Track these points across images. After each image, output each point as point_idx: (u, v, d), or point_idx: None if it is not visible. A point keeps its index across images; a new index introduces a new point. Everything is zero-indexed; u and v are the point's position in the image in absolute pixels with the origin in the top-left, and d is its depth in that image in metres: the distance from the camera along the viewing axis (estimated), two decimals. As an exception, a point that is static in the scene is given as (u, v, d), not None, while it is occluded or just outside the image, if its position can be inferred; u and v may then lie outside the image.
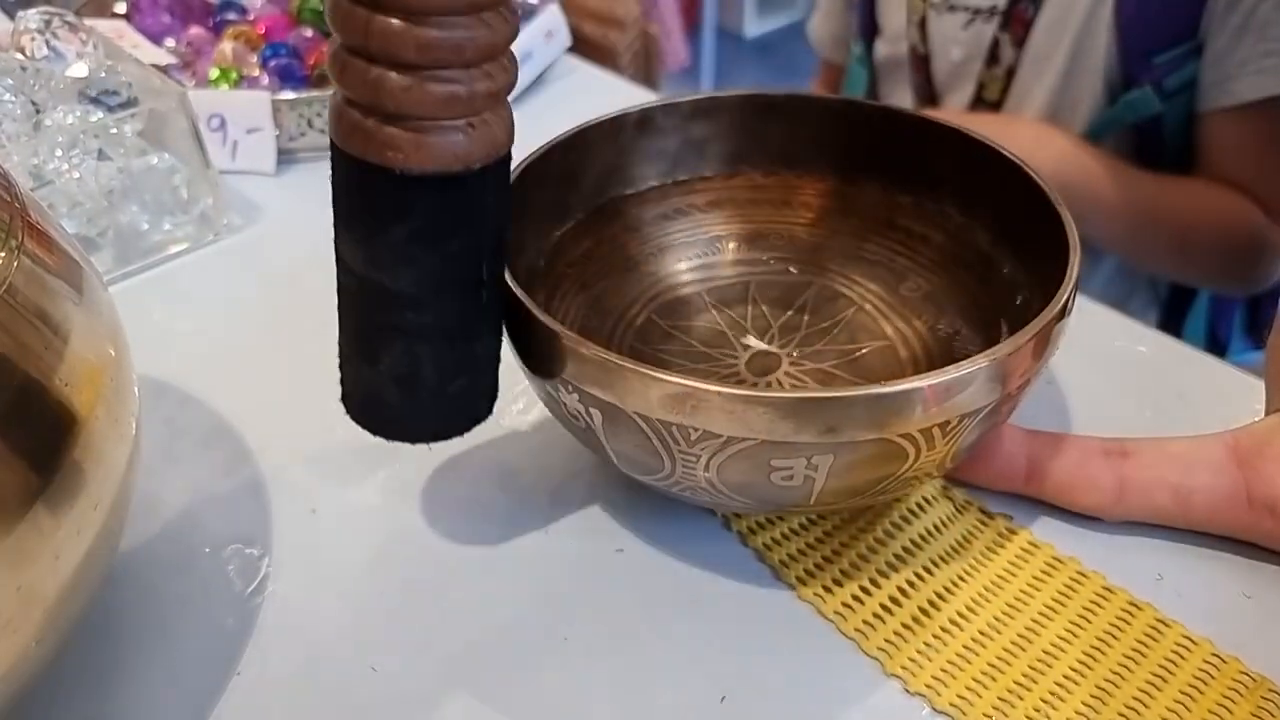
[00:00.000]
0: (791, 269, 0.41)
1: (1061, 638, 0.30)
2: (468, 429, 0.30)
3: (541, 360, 0.29)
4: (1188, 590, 0.31)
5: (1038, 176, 0.33)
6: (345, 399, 0.30)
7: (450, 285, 0.27)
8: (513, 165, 0.34)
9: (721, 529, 0.34)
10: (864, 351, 0.37)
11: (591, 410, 0.28)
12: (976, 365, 0.26)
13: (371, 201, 0.25)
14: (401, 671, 0.30)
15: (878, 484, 0.28)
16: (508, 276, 0.29)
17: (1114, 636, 0.30)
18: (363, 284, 0.26)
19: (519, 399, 0.39)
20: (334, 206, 0.26)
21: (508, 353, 0.31)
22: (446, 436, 0.30)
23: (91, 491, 0.24)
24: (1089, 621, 0.30)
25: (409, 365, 0.28)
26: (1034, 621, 0.30)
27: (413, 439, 0.30)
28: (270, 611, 0.32)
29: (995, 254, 0.36)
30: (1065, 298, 0.28)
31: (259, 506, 0.35)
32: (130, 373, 0.29)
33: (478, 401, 0.30)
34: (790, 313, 0.39)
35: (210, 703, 0.29)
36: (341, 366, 0.29)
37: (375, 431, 0.30)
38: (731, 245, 0.42)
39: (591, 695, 0.29)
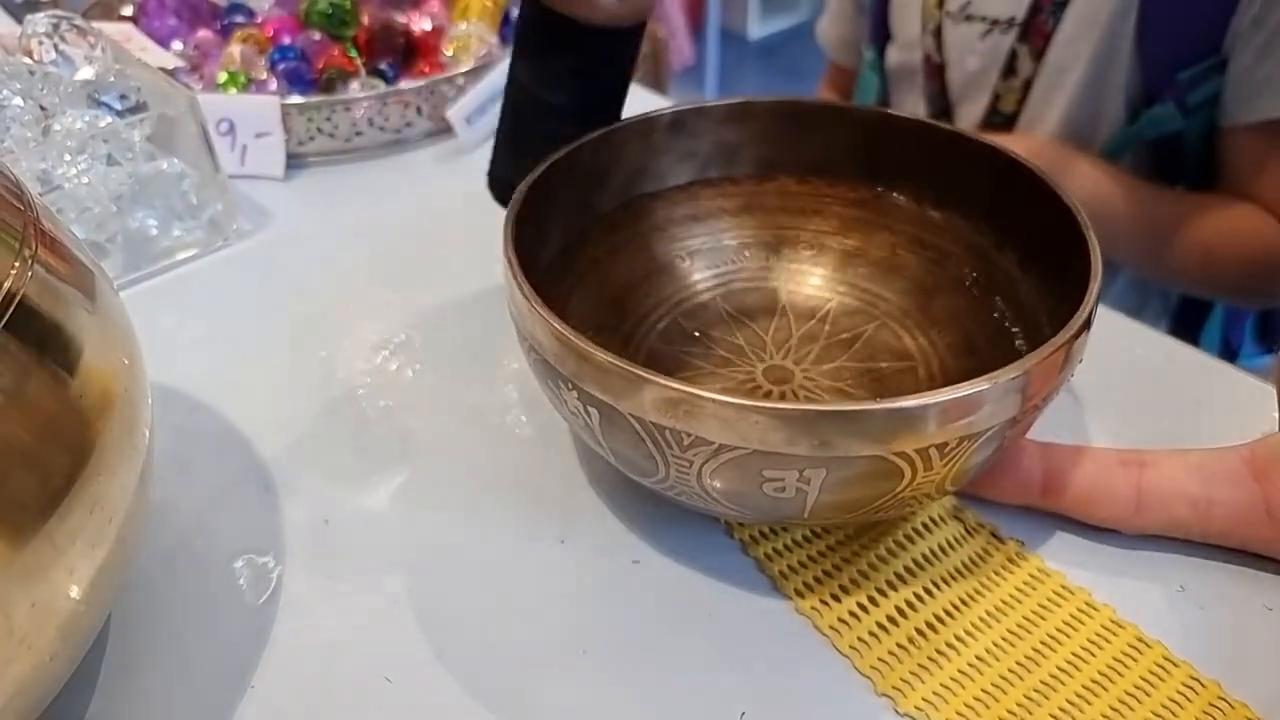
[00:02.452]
0: (819, 280, 0.40)
1: (1061, 669, 0.29)
2: None
3: (543, 356, 0.29)
4: (1209, 603, 0.31)
5: (1068, 197, 0.32)
6: (491, 179, 0.40)
7: (590, 109, 0.38)
8: (538, 167, 0.35)
9: (734, 539, 0.33)
10: (884, 370, 0.36)
11: (590, 409, 0.28)
12: (976, 388, 0.25)
13: (551, 39, 0.36)
14: (416, 683, 0.29)
15: (874, 501, 0.28)
16: (516, 270, 0.30)
17: (1118, 672, 0.29)
18: (528, 97, 0.38)
19: (531, 410, 0.39)
20: (517, 38, 0.37)
21: (519, 355, 0.31)
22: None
23: (105, 505, 0.24)
24: (1093, 655, 0.29)
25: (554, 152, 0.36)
26: (1035, 651, 0.29)
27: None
28: (283, 622, 0.31)
29: (1023, 275, 0.35)
30: (1074, 331, 0.27)
31: (271, 515, 0.35)
32: (144, 382, 0.28)
33: None
34: (812, 323, 0.39)
35: (224, 716, 0.29)
36: (494, 154, 0.40)
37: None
38: (760, 252, 0.41)
39: (608, 711, 0.29)
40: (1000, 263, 0.36)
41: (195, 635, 0.31)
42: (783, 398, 0.36)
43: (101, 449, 0.24)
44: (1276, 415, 0.34)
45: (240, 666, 0.30)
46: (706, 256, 0.41)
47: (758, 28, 2.77)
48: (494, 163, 0.40)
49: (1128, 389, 0.39)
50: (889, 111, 0.39)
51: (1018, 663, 0.29)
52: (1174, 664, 0.29)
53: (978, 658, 0.29)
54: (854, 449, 0.25)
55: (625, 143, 0.38)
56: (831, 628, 0.30)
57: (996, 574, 0.32)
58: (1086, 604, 0.31)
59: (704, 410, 0.25)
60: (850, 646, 0.30)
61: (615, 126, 0.38)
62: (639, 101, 0.64)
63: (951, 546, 0.33)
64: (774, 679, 0.29)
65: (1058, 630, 0.30)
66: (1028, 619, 0.30)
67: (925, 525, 0.33)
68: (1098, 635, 0.30)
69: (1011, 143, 0.74)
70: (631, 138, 0.38)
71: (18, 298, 0.23)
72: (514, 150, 0.39)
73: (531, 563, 0.33)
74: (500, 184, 0.39)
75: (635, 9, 0.35)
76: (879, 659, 0.29)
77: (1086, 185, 0.68)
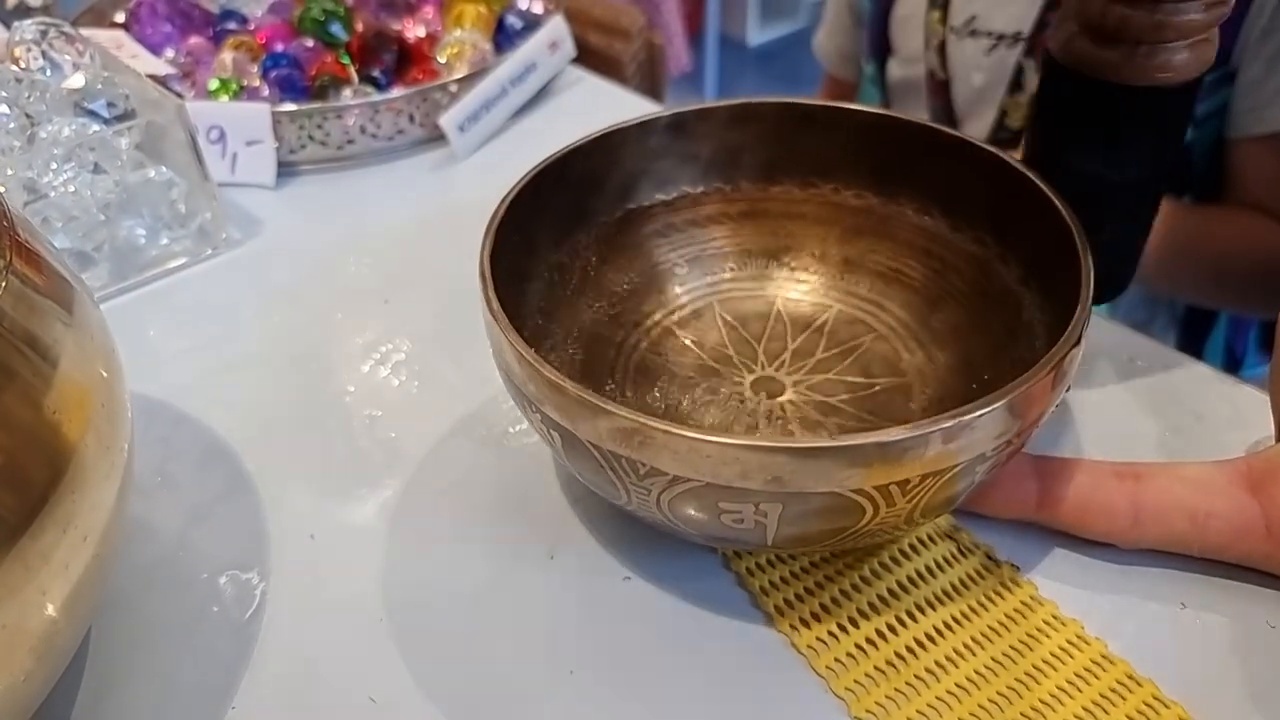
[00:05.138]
0: (819, 289, 0.39)
1: (1045, 702, 0.28)
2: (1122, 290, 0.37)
3: (510, 377, 0.29)
4: (1210, 621, 0.30)
5: (1068, 213, 0.31)
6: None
7: (1158, 178, 0.34)
8: (528, 170, 0.34)
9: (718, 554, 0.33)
10: (878, 385, 0.36)
11: (553, 433, 0.28)
12: (934, 427, 0.24)
13: (1124, 113, 0.32)
14: (402, 704, 0.29)
15: (837, 535, 0.27)
16: (489, 285, 0.30)
17: (1103, 709, 0.28)
18: (1098, 184, 0.33)
19: (521, 421, 0.38)
20: (1076, 129, 0.33)
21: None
22: (1117, 294, 0.37)
23: (80, 524, 0.23)
24: (1079, 690, 0.28)
25: (1119, 240, 0.35)
26: (1018, 681, 0.28)
27: (1108, 297, 0.37)
28: (267, 640, 0.31)
29: (1024, 290, 0.34)
30: (1036, 377, 0.26)
31: (256, 531, 0.34)
32: (123, 396, 0.28)
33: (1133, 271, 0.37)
34: (809, 333, 0.38)
35: (204, 737, 0.28)
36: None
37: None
38: (761, 259, 0.40)
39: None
40: (1003, 277, 0.35)
41: (177, 653, 0.30)
42: (770, 413, 0.35)
43: (77, 465, 0.24)
44: (1274, 426, 0.33)
45: (222, 685, 0.29)
46: (705, 263, 0.40)
47: (757, 34, 2.77)
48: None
49: (1129, 401, 0.38)
50: (893, 114, 0.37)
51: (999, 693, 0.28)
52: (1164, 704, 0.28)
53: (958, 685, 0.28)
54: (808, 485, 0.25)
55: (622, 145, 0.37)
56: (809, 647, 0.30)
57: (987, 598, 0.31)
58: (1078, 636, 0.30)
59: (656, 441, 0.25)
60: (827, 667, 0.29)
61: (611, 129, 0.37)
62: (636, 109, 0.64)
63: (941, 567, 0.32)
64: (756, 700, 0.29)
65: (1044, 662, 0.29)
66: (1014, 648, 0.29)
67: (916, 544, 0.33)
68: (1086, 670, 0.29)
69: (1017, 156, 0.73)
70: (628, 141, 0.37)
71: (-11, 311, 0.22)
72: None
73: (520, 579, 0.32)
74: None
75: (1203, 58, 0.31)
76: (855, 681, 0.29)
77: None
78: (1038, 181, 0.33)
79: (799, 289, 0.40)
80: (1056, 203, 0.32)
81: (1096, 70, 0.31)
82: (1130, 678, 0.28)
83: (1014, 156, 0.35)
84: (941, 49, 0.75)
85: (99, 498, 0.24)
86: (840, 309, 0.39)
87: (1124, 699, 0.28)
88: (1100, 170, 0.33)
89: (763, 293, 0.40)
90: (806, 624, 0.30)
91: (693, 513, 0.27)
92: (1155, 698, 0.28)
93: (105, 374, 0.27)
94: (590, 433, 0.26)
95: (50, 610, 0.23)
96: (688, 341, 0.38)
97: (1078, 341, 0.27)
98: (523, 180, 0.34)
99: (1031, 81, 0.71)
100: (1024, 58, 0.70)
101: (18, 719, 0.24)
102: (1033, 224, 0.33)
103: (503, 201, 0.33)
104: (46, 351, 0.24)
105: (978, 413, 0.25)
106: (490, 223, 0.32)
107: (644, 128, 0.38)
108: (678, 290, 0.39)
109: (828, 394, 0.36)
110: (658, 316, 0.39)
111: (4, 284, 0.23)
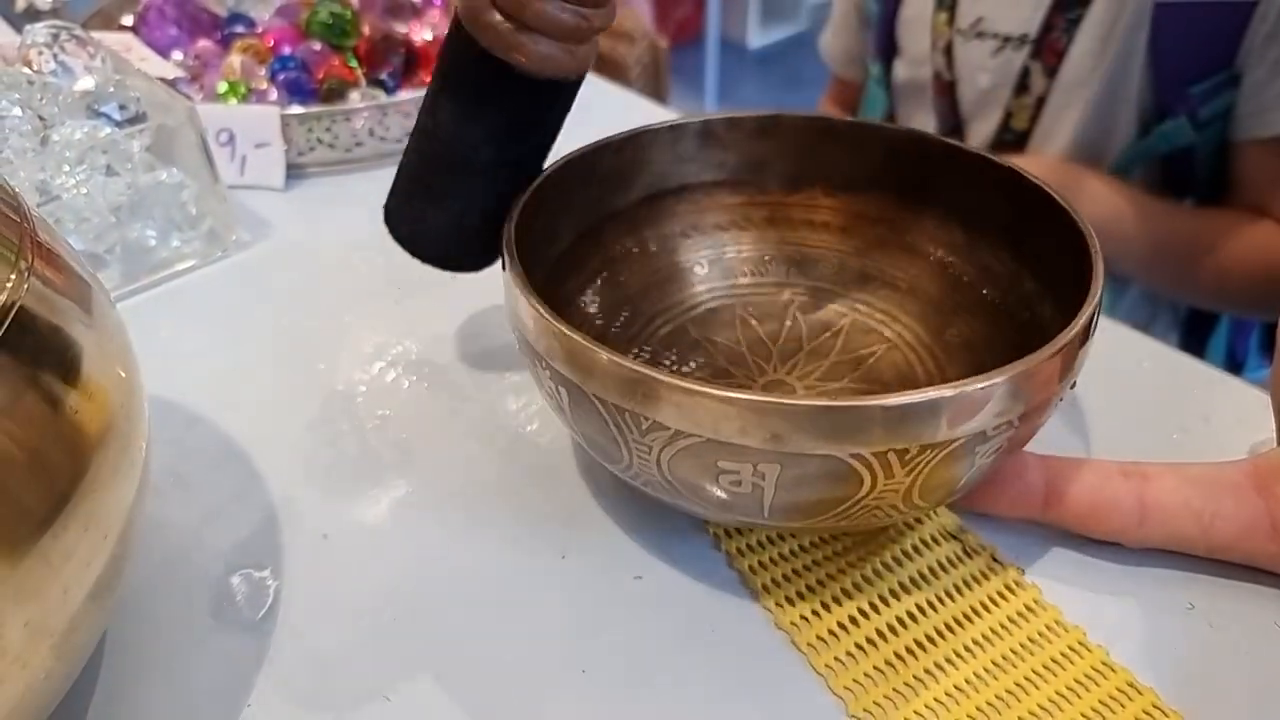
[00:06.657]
0: (836, 297, 0.40)
1: (1044, 707, 0.28)
2: (488, 264, 0.37)
3: (523, 334, 0.29)
4: (1219, 622, 0.30)
5: (1083, 223, 0.31)
6: (396, 228, 0.36)
7: (512, 167, 0.34)
8: (551, 160, 0.36)
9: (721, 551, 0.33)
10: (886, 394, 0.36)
11: (560, 389, 0.28)
12: (928, 396, 0.25)
13: (485, 86, 0.31)
14: (417, 702, 0.29)
15: (835, 506, 0.27)
16: (511, 248, 0.31)
17: (1102, 716, 0.28)
18: (446, 145, 0.33)
19: (534, 419, 0.39)
20: (443, 80, 0.32)
21: (520, 367, 0.30)
22: (476, 267, 0.37)
23: (101, 522, 0.24)
24: (1079, 696, 0.28)
25: (467, 210, 0.34)
26: (1017, 685, 0.28)
27: (457, 267, 0.37)
28: (281, 639, 0.31)
29: (1039, 304, 0.34)
30: (1043, 358, 0.26)
31: (269, 530, 0.34)
32: (141, 396, 0.28)
33: (496, 251, 0.34)
34: (824, 339, 0.38)
35: (220, 735, 0.28)
36: (397, 205, 0.36)
37: (425, 256, 0.36)
38: (781, 265, 0.41)
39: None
40: (1019, 292, 0.35)
41: (192, 651, 0.31)
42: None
43: (98, 464, 0.24)
44: (1275, 428, 0.34)
45: (238, 684, 0.30)
46: (725, 265, 0.41)
47: (757, 37, 2.78)
48: (394, 198, 0.36)
49: (1135, 402, 0.39)
50: (918, 131, 0.38)
51: (997, 696, 0.28)
52: (1164, 713, 0.28)
53: (956, 687, 0.29)
54: (806, 446, 0.25)
55: (651, 145, 0.38)
56: (810, 645, 0.30)
57: (991, 600, 0.31)
58: (1079, 643, 0.30)
59: (659, 393, 0.25)
60: (826, 665, 0.29)
61: (642, 130, 0.37)
62: (641, 114, 0.64)
63: (945, 568, 0.32)
64: (755, 697, 0.29)
65: (1044, 667, 0.29)
66: (1014, 651, 0.30)
67: (920, 545, 0.33)
68: (1086, 676, 0.29)
69: (1022, 164, 0.73)
70: (658, 143, 0.38)
71: (14, 310, 0.22)
72: (419, 198, 0.35)
73: (533, 578, 0.33)
74: (398, 227, 0.36)
75: (582, 62, 0.32)
76: (854, 680, 0.29)
77: (1099, 204, 0.67)
78: (1058, 199, 0.33)
79: (818, 295, 0.40)
80: (1075, 219, 0.32)
81: (481, 38, 0.31)
82: (1131, 685, 0.28)
83: (1033, 173, 0.34)
84: (948, 50, 0.76)
85: (119, 496, 0.25)
86: (856, 318, 0.39)
87: (1124, 706, 0.28)
88: (452, 134, 0.33)
89: (780, 298, 0.40)
90: (808, 620, 0.30)
91: (691, 474, 0.27)
92: (1155, 705, 0.28)
93: (123, 374, 0.27)
94: (597, 386, 0.27)
95: (71, 607, 0.23)
96: (702, 341, 0.38)
97: (1085, 333, 0.27)
98: (552, 167, 0.34)
99: (1037, 84, 0.71)
100: (1030, 60, 0.71)
101: (37, 717, 0.24)
102: (1050, 240, 0.33)
103: (532, 183, 0.33)
104: (67, 351, 0.24)
105: (979, 385, 0.25)
106: (515, 202, 0.33)
107: (675, 131, 0.39)
108: (698, 289, 0.40)
109: (835, 399, 0.36)
110: (675, 312, 0.39)
111: (26, 285, 0.23)
